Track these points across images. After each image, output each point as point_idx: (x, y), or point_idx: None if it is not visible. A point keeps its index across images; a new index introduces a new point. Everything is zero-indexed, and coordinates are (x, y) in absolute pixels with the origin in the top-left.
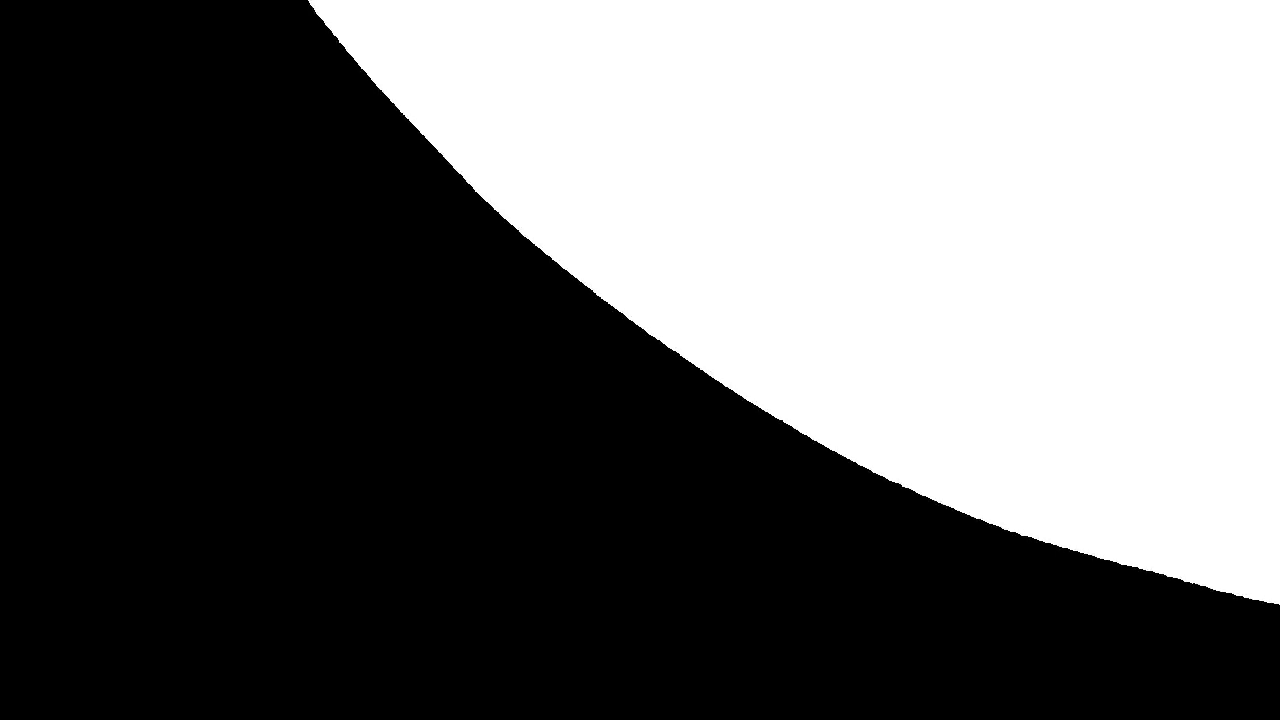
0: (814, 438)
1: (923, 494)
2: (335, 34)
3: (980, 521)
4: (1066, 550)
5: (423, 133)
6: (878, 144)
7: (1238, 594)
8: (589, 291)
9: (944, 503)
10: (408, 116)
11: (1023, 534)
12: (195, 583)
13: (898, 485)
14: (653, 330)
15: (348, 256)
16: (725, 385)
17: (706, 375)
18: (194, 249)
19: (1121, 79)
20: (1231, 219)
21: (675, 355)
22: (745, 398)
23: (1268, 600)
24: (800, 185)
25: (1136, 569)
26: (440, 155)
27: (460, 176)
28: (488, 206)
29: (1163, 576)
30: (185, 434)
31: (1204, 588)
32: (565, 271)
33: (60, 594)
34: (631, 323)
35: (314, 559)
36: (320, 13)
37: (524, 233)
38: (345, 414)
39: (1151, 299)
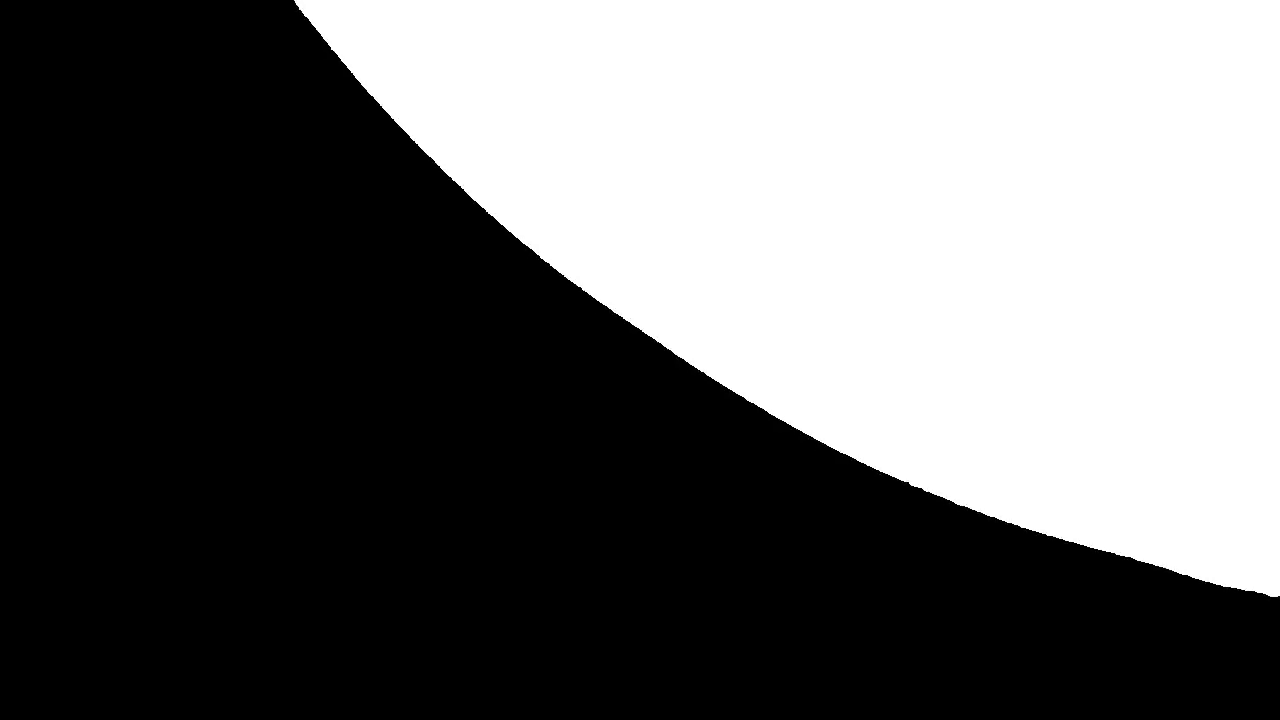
0: (815, 436)
1: (928, 490)
2: (324, 37)
3: (987, 517)
4: (1072, 544)
5: (413, 137)
6: (876, 143)
7: (1236, 587)
8: (585, 294)
9: (948, 498)
10: (397, 120)
11: (1030, 529)
12: (184, 584)
13: (903, 482)
14: (649, 330)
15: (338, 260)
16: (725, 385)
17: (705, 375)
18: (182, 252)
19: (1127, 76)
20: (1232, 209)
21: (672, 355)
22: (746, 398)
23: (1268, 593)
24: (797, 186)
25: (1142, 563)
26: (429, 158)
27: (452, 180)
28: (482, 211)
29: (1164, 570)
30: (175, 436)
31: (1204, 581)
32: (561, 275)
33: (60, 594)
34: (629, 324)
35: (308, 561)
36: (308, 15)
37: (517, 236)
38: (338, 417)
39: (1149, 294)
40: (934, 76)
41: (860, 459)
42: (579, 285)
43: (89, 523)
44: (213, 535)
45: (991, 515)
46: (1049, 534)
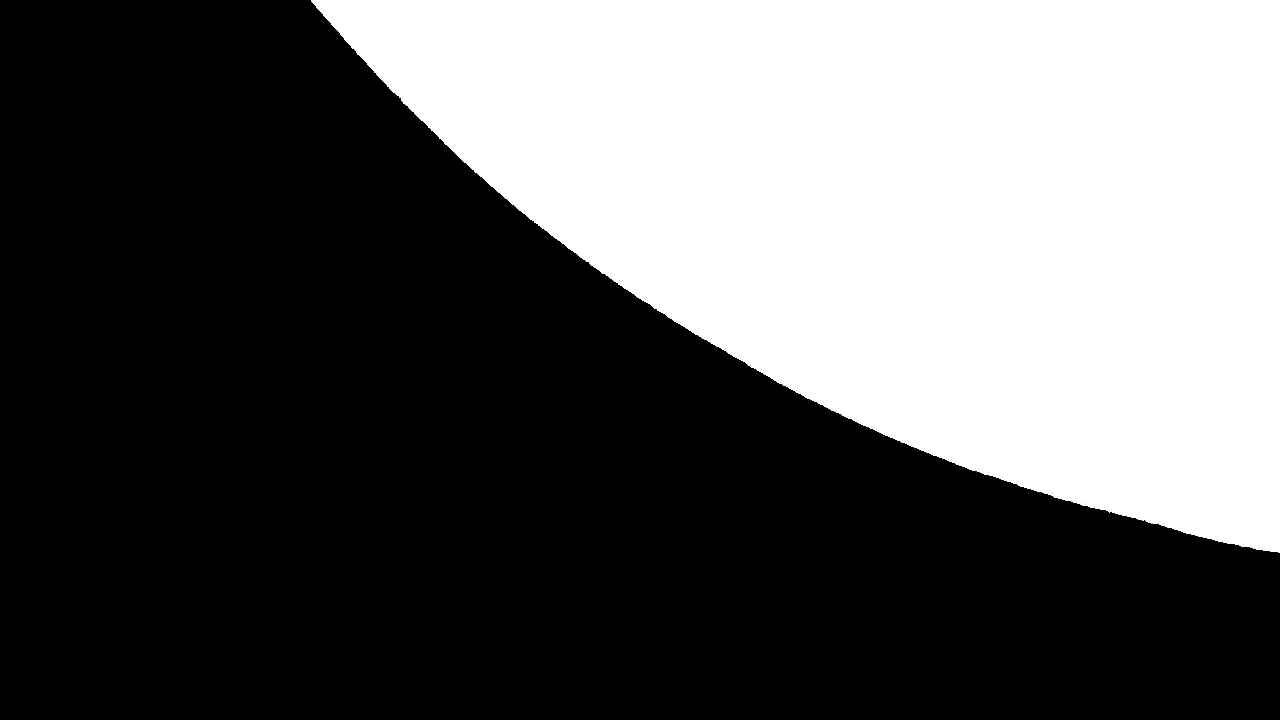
0: (846, 415)
1: (949, 460)
2: (339, 30)
3: (1006, 483)
4: (1095, 510)
5: (432, 128)
6: (886, 130)
7: (1241, 544)
8: (609, 280)
9: (965, 465)
10: (415, 111)
11: (1054, 496)
12: (215, 582)
13: (928, 455)
14: (670, 313)
15: (358, 253)
16: (754, 369)
17: (733, 358)
18: (202, 251)
19: (1143, 45)
20: (1231, 174)
21: (698, 339)
22: (774, 379)
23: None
24: (813, 167)
25: (1157, 526)
26: (448, 148)
27: (470, 169)
28: (501, 199)
29: (1182, 533)
30: (201, 435)
31: (1206, 539)
32: (584, 262)
33: (60, 594)
34: (650, 307)
35: (332, 557)
36: (323, 9)
37: (536, 221)
38: (362, 412)
39: (1161, 261)
40: (946, 58)
41: (886, 433)
42: (604, 272)
43: (93, 522)
44: (244, 525)
45: (1022, 486)
46: (1087, 506)
